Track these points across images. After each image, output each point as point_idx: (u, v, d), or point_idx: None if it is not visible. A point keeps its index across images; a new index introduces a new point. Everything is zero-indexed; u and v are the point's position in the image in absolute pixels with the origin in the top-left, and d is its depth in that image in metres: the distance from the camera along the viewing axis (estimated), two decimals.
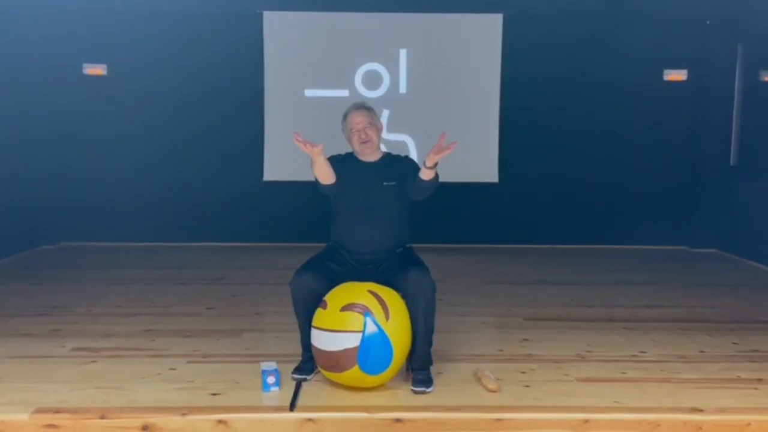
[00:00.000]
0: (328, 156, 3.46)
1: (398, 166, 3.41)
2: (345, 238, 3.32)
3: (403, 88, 6.99)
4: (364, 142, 3.34)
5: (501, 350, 3.77)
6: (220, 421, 2.80)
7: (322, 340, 2.97)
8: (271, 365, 3.10)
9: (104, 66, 6.92)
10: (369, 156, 3.40)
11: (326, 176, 3.29)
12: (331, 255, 3.31)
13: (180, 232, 7.07)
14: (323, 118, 6.93)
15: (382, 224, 3.29)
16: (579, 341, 3.91)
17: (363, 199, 3.30)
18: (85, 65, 6.90)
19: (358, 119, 3.36)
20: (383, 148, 3.52)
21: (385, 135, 4.75)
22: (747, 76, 6.69)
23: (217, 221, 7.11)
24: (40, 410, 2.83)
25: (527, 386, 3.19)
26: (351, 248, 3.30)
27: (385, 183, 3.32)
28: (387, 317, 2.94)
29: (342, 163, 3.41)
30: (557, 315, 4.53)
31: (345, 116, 3.42)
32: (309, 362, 3.22)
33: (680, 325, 4.29)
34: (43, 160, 6.80)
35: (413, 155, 6.85)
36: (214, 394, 3.04)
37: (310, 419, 2.83)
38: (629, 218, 7.08)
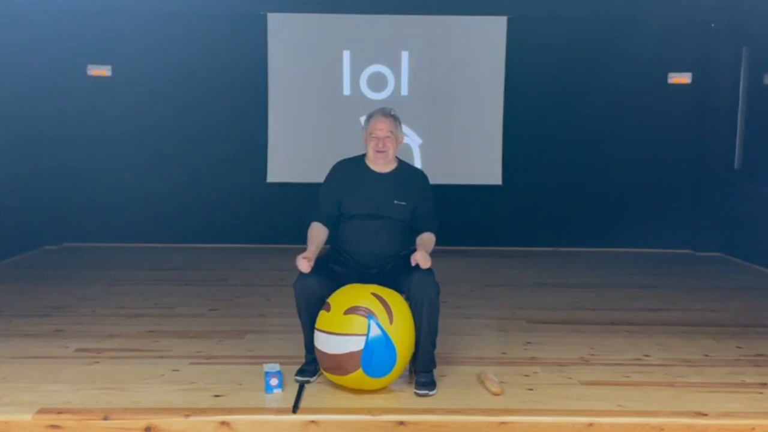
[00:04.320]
0: (336, 161, 3.45)
1: (412, 188, 3.34)
2: (349, 243, 3.30)
3: (405, 91, 6.98)
4: (379, 152, 3.28)
5: (504, 353, 3.76)
6: (223, 423, 2.80)
7: (325, 343, 2.96)
8: (274, 367, 3.10)
9: (109, 67, 6.93)
10: (381, 166, 3.34)
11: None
12: (334, 257, 3.31)
13: (183, 234, 7.07)
14: (327, 120, 6.97)
15: (387, 232, 3.27)
16: (582, 344, 3.90)
17: (370, 210, 3.26)
18: (89, 66, 6.91)
19: (381, 125, 3.27)
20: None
21: None
22: (751, 79, 6.67)
23: (221, 222, 7.11)
24: (43, 411, 2.84)
25: (531, 389, 3.18)
26: (355, 252, 3.29)
27: (395, 202, 3.27)
28: (391, 320, 2.94)
29: (351, 171, 3.36)
30: (561, 318, 4.52)
31: (369, 117, 3.34)
32: (312, 364, 3.21)
33: (684, 328, 4.28)
34: (46, 161, 6.81)
35: (416, 158, 6.87)
36: (216, 396, 3.04)
37: (312, 421, 2.82)
38: (633, 221, 7.05)
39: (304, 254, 3.13)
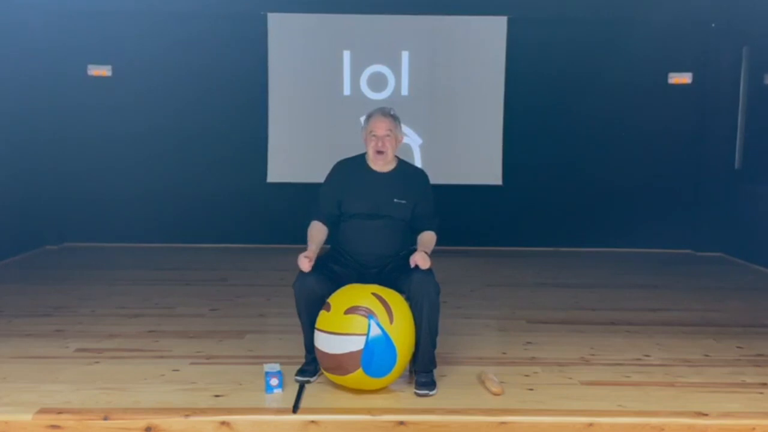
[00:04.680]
0: (336, 161, 3.45)
1: (413, 186, 3.35)
2: (349, 243, 3.30)
3: (405, 91, 6.98)
4: (378, 152, 3.28)
5: (504, 353, 3.76)
6: (223, 423, 2.80)
7: (325, 343, 2.96)
8: (274, 367, 3.10)
9: (109, 67, 6.93)
10: (381, 166, 3.34)
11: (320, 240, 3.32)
12: (334, 257, 3.31)
13: (183, 233, 7.07)
14: (327, 120, 6.97)
15: (388, 231, 3.27)
16: (583, 344, 3.90)
17: (370, 210, 3.26)
18: (89, 66, 6.92)
19: (381, 125, 3.28)
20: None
21: None
22: (752, 79, 6.67)
23: (221, 222, 7.11)
24: (43, 411, 2.84)
25: (531, 389, 3.18)
26: (355, 252, 3.29)
27: (395, 200, 3.27)
28: (391, 320, 2.93)
29: (351, 170, 3.37)
30: (561, 318, 4.52)
31: (369, 117, 3.34)
32: (312, 364, 3.22)
33: (684, 328, 4.28)
34: (46, 161, 6.82)
35: (416, 158, 6.87)
36: (217, 396, 3.04)
37: (312, 421, 2.82)
38: (633, 221, 7.06)
39: (305, 253, 3.13)
